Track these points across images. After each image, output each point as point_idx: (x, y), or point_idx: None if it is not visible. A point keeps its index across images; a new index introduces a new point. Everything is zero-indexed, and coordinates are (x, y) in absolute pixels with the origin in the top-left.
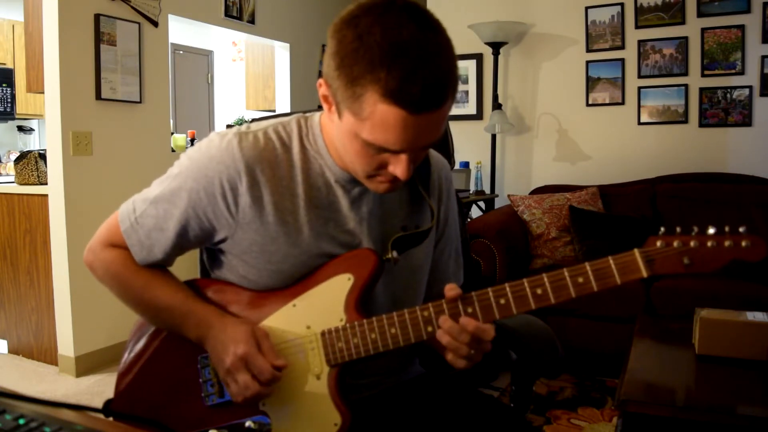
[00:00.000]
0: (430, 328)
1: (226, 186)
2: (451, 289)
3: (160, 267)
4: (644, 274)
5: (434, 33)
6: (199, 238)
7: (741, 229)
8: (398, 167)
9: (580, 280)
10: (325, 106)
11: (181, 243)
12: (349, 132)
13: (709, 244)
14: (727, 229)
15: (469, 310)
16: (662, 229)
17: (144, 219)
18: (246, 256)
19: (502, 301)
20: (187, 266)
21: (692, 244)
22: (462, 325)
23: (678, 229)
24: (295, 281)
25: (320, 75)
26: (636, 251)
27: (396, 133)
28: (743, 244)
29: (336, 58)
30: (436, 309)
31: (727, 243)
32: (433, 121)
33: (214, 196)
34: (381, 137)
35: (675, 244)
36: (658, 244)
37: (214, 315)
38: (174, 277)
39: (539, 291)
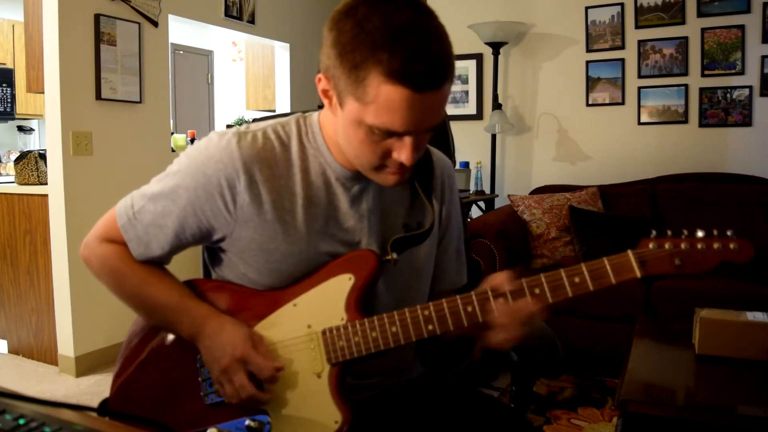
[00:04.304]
0: (430, 327)
1: (224, 184)
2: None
3: (158, 265)
4: (638, 274)
5: (430, 17)
6: (197, 237)
7: (729, 232)
8: (403, 152)
9: (577, 280)
10: (325, 101)
11: (179, 241)
12: (353, 120)
13: (699, 246)
14: (715, 232)
15: (537, 291)
16: (653, 231)
17: (142, 214)
18: (245, 254)
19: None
20: (188, 265)
21: (683, 246)
22: (534, 303)
23: (669, 232)
24: (296, 281)
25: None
26: (629, 252)
27: (401, 113)
28: (731, 246)
29: (337, 47)
30: (494, 293)
31: (716, 245)
32: (435, 102)
33: (212, 195)
34: (387, 119)
35: (666, 246)
36: (651, 246)
37: (210, 315)
38: (171, 275)
39: (537, 291)
